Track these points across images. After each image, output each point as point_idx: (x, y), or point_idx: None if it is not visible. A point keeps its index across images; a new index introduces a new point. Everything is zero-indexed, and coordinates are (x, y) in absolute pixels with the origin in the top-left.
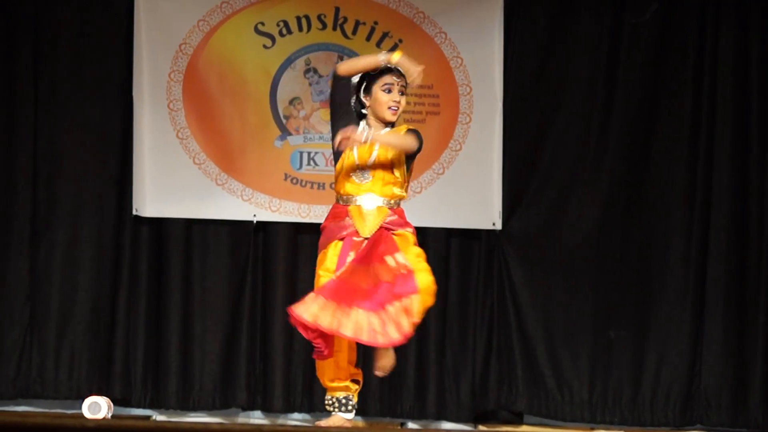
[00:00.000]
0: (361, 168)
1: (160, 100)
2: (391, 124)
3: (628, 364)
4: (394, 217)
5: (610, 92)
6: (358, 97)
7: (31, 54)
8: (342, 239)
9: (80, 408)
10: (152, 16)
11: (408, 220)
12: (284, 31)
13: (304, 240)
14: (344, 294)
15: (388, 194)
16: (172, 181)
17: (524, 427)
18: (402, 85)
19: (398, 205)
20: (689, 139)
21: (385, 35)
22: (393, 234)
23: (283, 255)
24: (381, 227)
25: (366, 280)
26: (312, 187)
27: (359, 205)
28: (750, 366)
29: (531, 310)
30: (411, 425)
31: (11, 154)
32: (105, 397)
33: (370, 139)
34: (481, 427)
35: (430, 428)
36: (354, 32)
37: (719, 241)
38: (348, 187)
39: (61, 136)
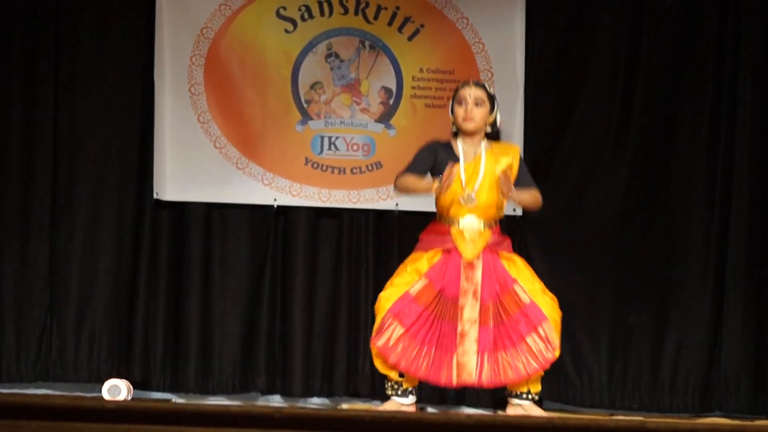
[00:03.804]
0: (468, 193)
1: (182, 84)
2: (491, 136)
3: (647, 349)
4: (495, 237)
5: (631, 78)
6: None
7: (52, 37)
8: (446, 251)
9: (100, 391)
10: None
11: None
12: (306, 15)
13: (325, 224)
14: (436, 335)
15: (490, 215)
16: (193, 165)
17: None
18: (477, 97)
19: (497, 223)
20: (710, 125)
21: (407, 20)
22: (501, 258)
23: (303, 239)
24: (486, 250)
25: (486, 317)
26: (333, 171)
27: (461, 229)
28: None
29: None
30: (430, 410)
31: (32, 138)
32: (125, 380)
33: (512, 194)
34: (500, 413)
35: (450, 413)
36: (376, 17)
37: (740, 227)
38: (452, 210)
39: (81, 119)
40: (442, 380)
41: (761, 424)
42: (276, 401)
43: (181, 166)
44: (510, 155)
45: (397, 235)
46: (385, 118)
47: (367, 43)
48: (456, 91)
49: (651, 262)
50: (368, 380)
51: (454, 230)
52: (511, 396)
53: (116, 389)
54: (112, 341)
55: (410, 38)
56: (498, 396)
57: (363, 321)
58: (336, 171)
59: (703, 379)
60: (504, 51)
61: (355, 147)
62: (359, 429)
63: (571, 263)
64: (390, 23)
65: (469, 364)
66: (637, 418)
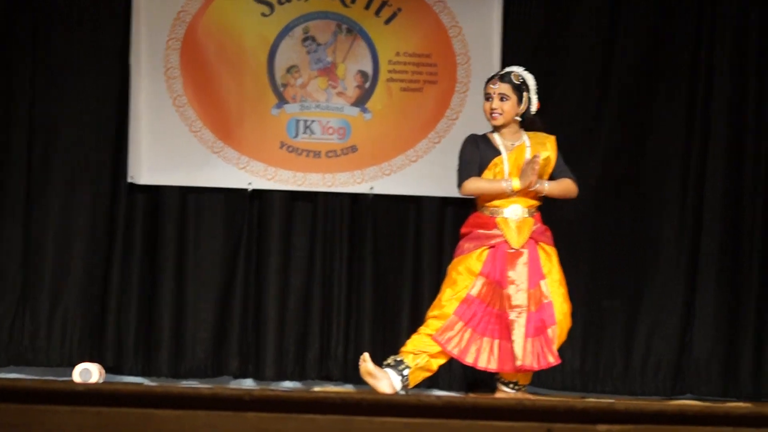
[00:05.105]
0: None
1: (158, 68)
2: (526, 124)
3: (620, 334)
4: (538, 225)
5: (608, 64)
6: None
7: (29, 21)
8: (491, 247)
9: (71, 375)
10: None
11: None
12: None
13: (299, 208)
14: (485, 322)
15: (532, 203)
16: (168, 149)
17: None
18: (502, 93)
19: (537, 210)
20: (685, 112)
21: (384, 4)
22: (541, 249)
23: (278, 223)
24: (530, 238)
25: (530, 303)
26: (308, 155)
27: (506, 218)
28: (741, 337)
29: None
30: (403, 393)
31: (7, 122)
32: (97, 364)
33: (545, 192)
34: (472, 395)
35: (420, 395)
36: (353, 1)
37: (713, 214)
38: (496, 200)
39: (57, 103)
40: (485, 364)
41: (730, 405)
42: (248, 385)
43: (157, 149)
44: (548, 147)
45: (371, 219)
46: (360, 101)
47: (343, 26)
48: (484, 86)
49: (624, 248)
50: (340, 364)
51: (499, 220)
52: (501, 382)
53: (87, 373)
54: (85, 325)
55: (387, 22)
56: (469, 379)
57: (336, 304)
58: (311, 155)
59: (675, 363)
60: (481, 35)
61: (330, 130)
62: (329, 411)
63: None
64: (367, 7)
65: (516, 350)
66: (607, 400)
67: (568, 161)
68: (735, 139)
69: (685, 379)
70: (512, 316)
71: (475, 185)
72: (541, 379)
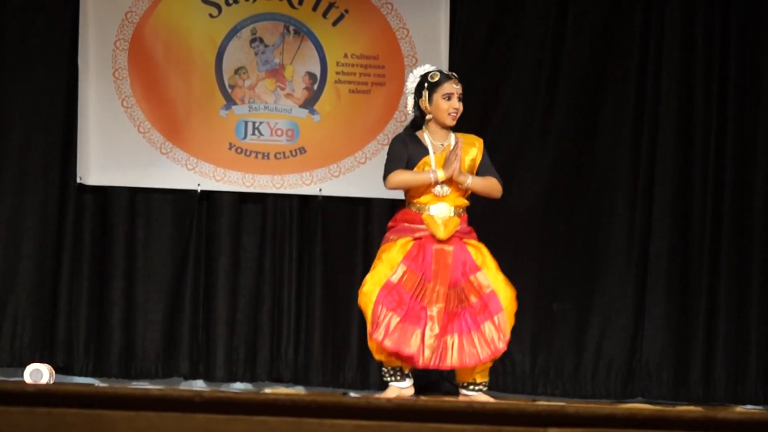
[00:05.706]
0: (441, 183)
1: (106, 69)
2: (452, 129)
3: (570, 336)
4: (463, 225)
5: (556, 67)
6: (417, 104)
7: None
8: (416, 239)
9: (22, 375)
10: None
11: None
12: (231, 0)
13: (248, 209)
14: (415, 315)
15: (459, 203)
16: (117, 150)
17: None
18: (460, 94)
19: (464, 211)
20: (634, 115)
21: (331, 6)
22: (468, 245)
23: (227, 224)
24: (455, 237)
25: (450, 302)
26: (256, 156)
27: (432, 215)
28: (691, 340)
29: None
30: (353, 395)
31: None
32: (47, 365)
33: (467, 184)
34: (422, 398)
35: (371, 397)
36: (300, 2)
37: (663, 216)
38: (424, 198)
39: (4, 104)
40: (419, 362)
41: (681, 409)
42: (199, 386)
43: (105, 150)
44: (476, 146)
45: (320, 220)
46: (309, 103)
47: (291, 28)
48: (436, 83)
49: (575, 250)
50: (291, 365)
51: (425, 216)
52: (462, 387)
53: (38, 373)
54: (35, 326)
55: (335, 23)
56: (420, 381)
57: (286, 306)
58: (260, 156)
59: (626, 366)
60: (428, 37)
61: (279, 132)
62: (279, 413)
63: (495, 250)
64: (314, 8)
65: (433, 347)
66: (558, 403)
67: (517, 163)
68: (684, 143)
69: (635, 382)
70: (431, 311)
71: (400, 177)
72: (490, 381)
